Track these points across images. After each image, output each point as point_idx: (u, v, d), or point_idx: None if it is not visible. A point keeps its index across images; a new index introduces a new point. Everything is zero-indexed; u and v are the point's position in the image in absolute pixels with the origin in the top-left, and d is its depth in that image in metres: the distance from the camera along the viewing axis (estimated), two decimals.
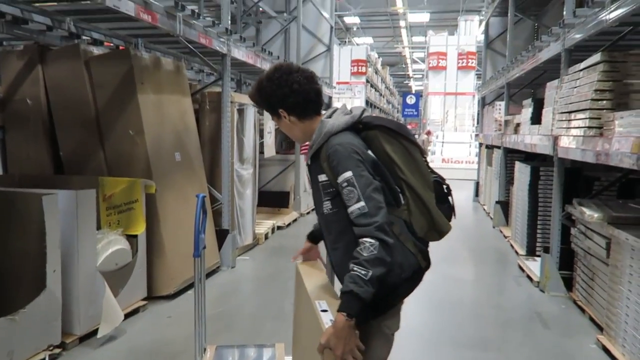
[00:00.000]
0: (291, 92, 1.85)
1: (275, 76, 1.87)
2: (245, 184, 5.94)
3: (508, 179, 7.71)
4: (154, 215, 4.24)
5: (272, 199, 7.86)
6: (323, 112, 1.96)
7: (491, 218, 8.34)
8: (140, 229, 4.02)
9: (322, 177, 1.82)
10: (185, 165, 4.78)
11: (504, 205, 7.71)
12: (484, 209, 9.61)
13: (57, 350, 3.17)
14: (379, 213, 1.68)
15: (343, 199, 1.73)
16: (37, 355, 3.05)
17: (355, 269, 1.63)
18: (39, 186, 3.60)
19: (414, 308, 4.18)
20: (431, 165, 1.93)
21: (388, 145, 1.82)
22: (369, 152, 1.84)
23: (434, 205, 1.82)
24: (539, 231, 5.68)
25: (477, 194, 10.90)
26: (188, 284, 4.38)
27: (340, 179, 1.72)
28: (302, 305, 2.12)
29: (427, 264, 1.86)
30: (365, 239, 1.66)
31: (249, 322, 3.88)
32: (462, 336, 3.72)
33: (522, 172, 6.18)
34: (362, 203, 1.68)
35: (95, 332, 3.39)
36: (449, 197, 1.90)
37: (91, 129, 4.30)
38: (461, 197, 11.81)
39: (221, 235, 5.25)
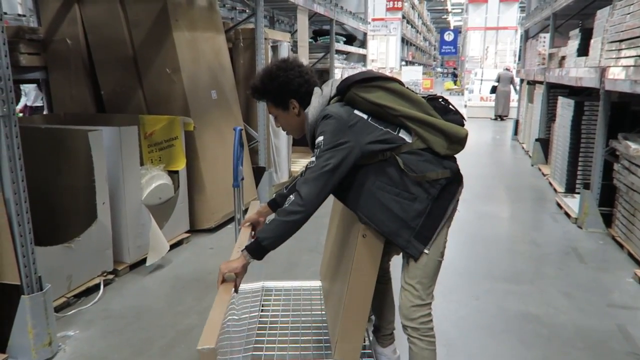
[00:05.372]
0: (305, 82, 1.90)
1: (289, 66, 1.91)
2: None
3: (549, 116, 7.46)
4: (193, 153, 4.36)
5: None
6: None
7: (530, 156, 8.17)
8: (181, 165, 4.15)
9: None
10: (221, 103, 4.84)
11: (544, 143, 7.51)
12: (523, 148, 9.39)
13: (110, 277, 3.41)
14: (315, 190, 1.76)
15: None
16: (92, 280, 3.29)
17: (276, 217, 1.82)
18: (83, 124, 3.74)
19: (448, 243, 4.23)
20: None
21: (368, 95, 1.84)
22: (356, 112, 1.86)
23: (440, 120, 1.85)
24: (579, 168, 5.56)
25: (516, 132, 10.62)
26: (228, 219, 4.56)
27: (317, 140, 1.81)
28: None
29: (457, 175, 1.90)
30: (294, 195, 1.80)
31: (285, 254, 4.02)
32: (495, 270, 3.77)
33: (565, 107, 5.97)
34: (313, 158, 1.80)
35: (143, 261, 3.62)
36: (449, 106, 1.93)
37: (129, 68, 4.37)
38: (500, 136, 11.55)
39: (258, 173, 5.37)
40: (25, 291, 2.45)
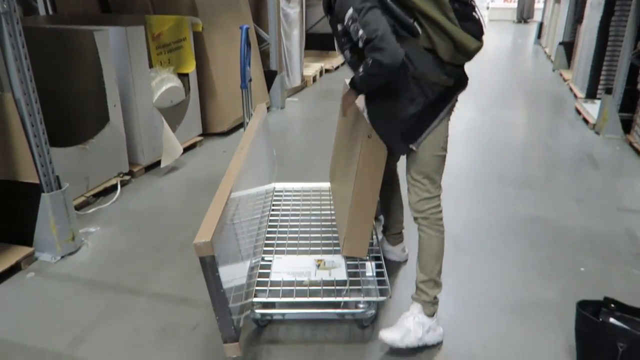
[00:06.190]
0: None
1: None
2: (292, 24, 5.74)
3: (576, 18, 7.05)
4: (203, 55, 4.25)
5: (320, 42, 7.62)
6: None
7: (552, 61, 7.85)
8: (190, 68, 4.07)
9: (339, 26, 1.83)
10: (230, 3, 4.62)
11: (568, 47, 7.18)
12: (545, 52, 9.02)
13: (126, 177, 3.49)
14: (379, 28, 1.67)
15: (352, 37, 1.74)
16: (109, 181, 3.37)
17: (361, 68, 1.76)
18: (88, 24, 3.62)
19: (461, 149, 4.21)
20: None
21: None
22: None
23: (454, 26, 1.73)
24: (603, 73, 5.35)
25: (539, 36, 10.13)
26: (240, 122, 4.53)
27: (346, 18, 1.72)
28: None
29: (459, 83, 1.84)
30: (368, 60, 1.71)
31: (297, 158, 4.06)
32: (507, 175, 3.77)
33: (594, 7, 5.62)
34: (361, 31, 1.69)
35: (158, 163, 3.68)
36: (474, 13, 1.79)
37: None
38: (522, 40, 11.04)
39: (270, 77, 5.26)
40: (44, 189, 2.52)
